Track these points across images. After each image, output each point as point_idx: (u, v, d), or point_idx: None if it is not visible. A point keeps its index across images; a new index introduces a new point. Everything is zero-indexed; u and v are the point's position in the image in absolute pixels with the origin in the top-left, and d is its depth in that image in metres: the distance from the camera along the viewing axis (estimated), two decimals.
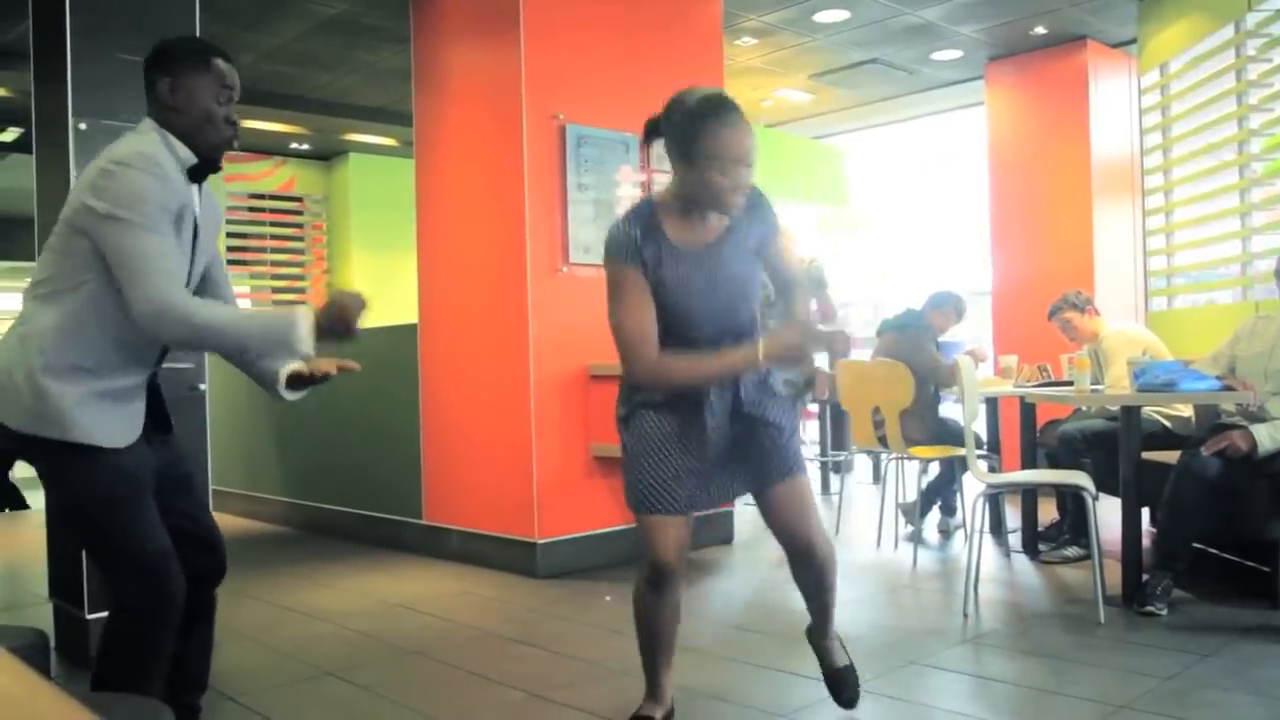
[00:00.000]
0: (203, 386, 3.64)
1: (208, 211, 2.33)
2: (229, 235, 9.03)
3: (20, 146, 8.33)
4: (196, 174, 2.23)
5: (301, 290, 9.64)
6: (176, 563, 2.21)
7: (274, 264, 9.57)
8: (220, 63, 2.24)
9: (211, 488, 3.72)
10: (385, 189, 9.14)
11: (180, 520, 2.33)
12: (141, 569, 2.16)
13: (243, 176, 9.25)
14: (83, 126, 3.41)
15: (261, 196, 9.46)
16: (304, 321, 2.06)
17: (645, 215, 2.36)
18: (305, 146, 9.27)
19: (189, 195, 2.19)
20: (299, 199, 9.65)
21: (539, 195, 4.68)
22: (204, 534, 2.43)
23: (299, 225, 9.68)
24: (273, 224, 9.54)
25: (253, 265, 9.47)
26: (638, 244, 2.33)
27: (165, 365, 3.52)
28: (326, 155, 9.57)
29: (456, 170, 5.11)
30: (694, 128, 2.23)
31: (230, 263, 9.06)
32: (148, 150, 2.11)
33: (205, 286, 2.37)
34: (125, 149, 2.11)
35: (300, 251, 9.67)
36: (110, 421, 2.15)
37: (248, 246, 9.39)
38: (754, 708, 2.83)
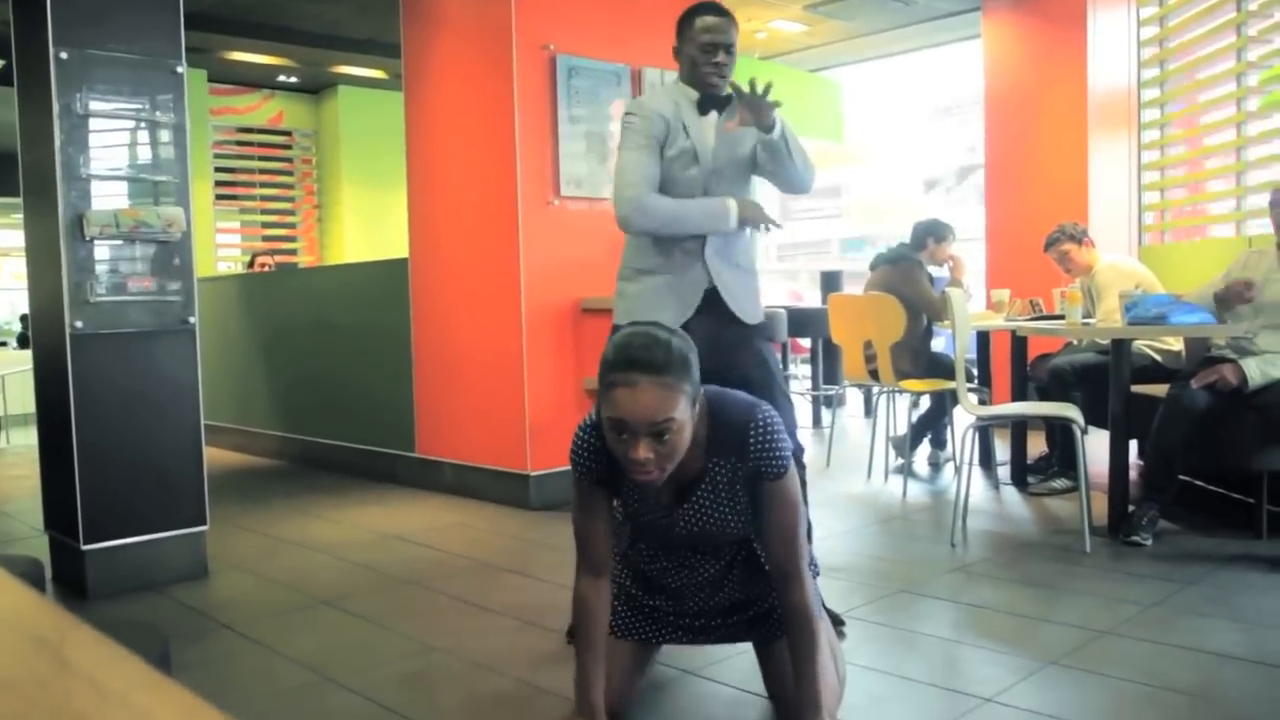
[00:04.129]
0: (193, 320, 3.62)
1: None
2: (216, 170, 8.94)
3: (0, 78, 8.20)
4: (707, 105, 2.82)
5: (292, 225, 9.58)
6: None
7: (263, 199, 9.49)
8: (702, 19, 2.79)
9: (204, 422, 3.73)
10: (375, 123, 9.04)
11: None
12: None
13: (230, 110, 9.13)
14: (64, 56, 3.35)
15: (250, 130, 9.36)
16: (733, 211, 2.79)
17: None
18: (293, 79, 9.14)
19: (683, 119, 2.80)
20: (288, 133, 9.55)
21: (530, 127, 4.63)
22: None
23: (288, 160, 9.59)
24: (261, 158, 9.44)
25: (242, 200, 9.39)
26: (602, 463, 2.04)
27: (156, 298, 3.53)
28: (315, 88, 9.45)
29: (446, 103, 5.05)
30: None
31: (219, 198, 8.99)
32: (641, 98, 2.96)
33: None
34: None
35: (290, 186, 9.59)
36: (662, 307, 2.74)
37: (236, 181, 9.30)
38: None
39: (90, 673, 0.45)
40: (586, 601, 2.11)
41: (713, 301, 2.82)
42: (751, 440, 1.99)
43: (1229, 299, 3.76)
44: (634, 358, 1.85)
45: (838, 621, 2.79)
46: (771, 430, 2.00)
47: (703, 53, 2.79)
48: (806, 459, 2.82)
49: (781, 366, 2.97)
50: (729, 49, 2.80)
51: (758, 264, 3.00)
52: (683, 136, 2.80)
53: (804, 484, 2.82)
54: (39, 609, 0.55)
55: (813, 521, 2.92)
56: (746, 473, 2.02)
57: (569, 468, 2.08)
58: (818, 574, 2.90)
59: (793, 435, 2.66)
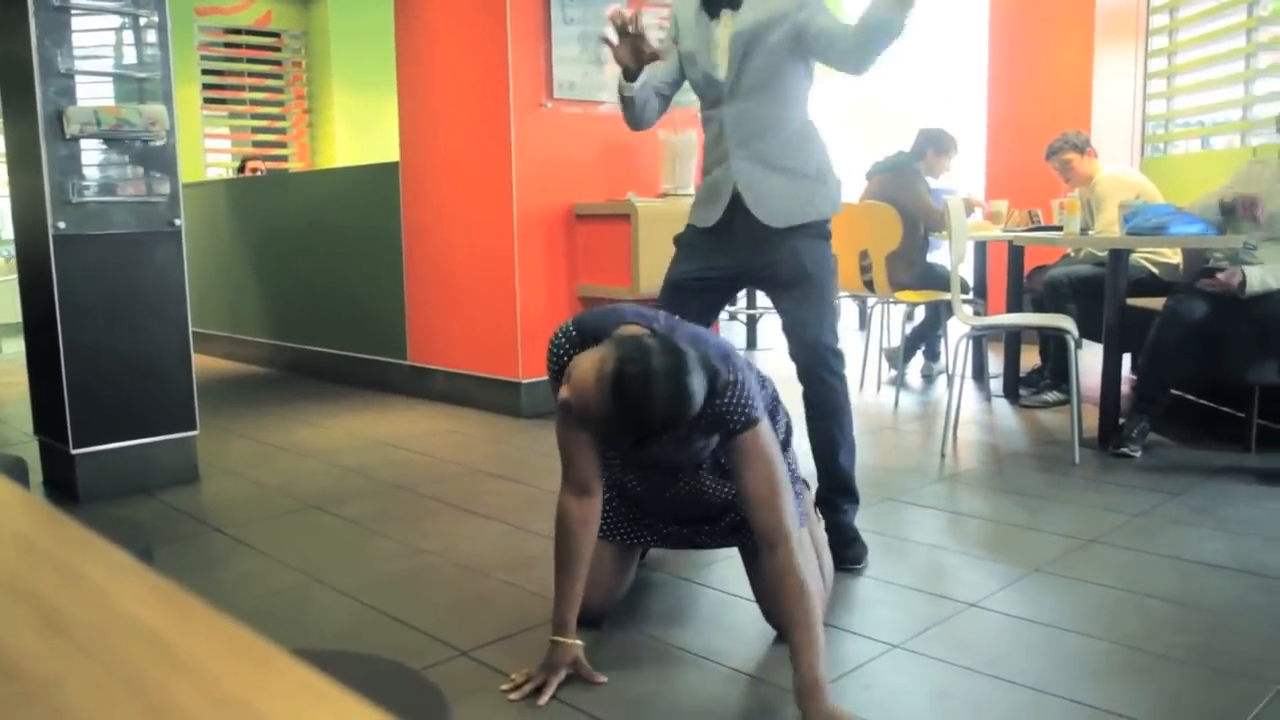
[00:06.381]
0: (178, 222, 3.56)
1: (750, 12, 2.60)
2: (204, 73, 8.74)
3: None
4: (715, 4, 2.64)
5: (282, 130, 9.41)
6: None
7: (253, 103, 9.30)
8: None
9: (192, 330, 3.70)
10: (365, 24, 8.81)
11: (782, 315, 2.74)
12: None
13: (217, 9, 8.89)
14: None
15: (238, 32, 9.12)
16: None
17: None
18: None
19: (690, 18, 2.69)
20: (276, 34, 9.31)
21: (522, 27, 4.51)
22: (792, 328, 2.70)
23: (278, 63, 9.36)
24: (250, 60, 9.22)
25: (231, 104, 9.19)
26: None
27: (141, 199, 3.47)
28: None
29: (437, 2, 4.91)
30: None
31: (207, 101, 8.80)
32: None
33: (822, 38, 2.54)
34: None
35: (280, 90, 9.39)
36: (704, 206, 2.75)
37: (225, 84, 9.09)
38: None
39: (20, 532, 0.43)
40: (567, 518, 2.06)
41: (741, 203, 2.69)
42: (720, 404, 1.89)
43: (1235, 210, 3.70)
44: (627, 428, 1.82)
45: (858, 560, 2.69)
46: (737, 385, 1.89)
47: None
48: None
49: (832, 270, 2.85)
50: None
51: (813, 166, 2.70)
52: (686, 40, 2.71)
53: (845, 397, 2.72)
54: (34, 508, 0.52)
55: (855, 441, 2.86)
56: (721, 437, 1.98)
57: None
58: (857, 503, 2.78)
59: (829, 340, 2.67)
